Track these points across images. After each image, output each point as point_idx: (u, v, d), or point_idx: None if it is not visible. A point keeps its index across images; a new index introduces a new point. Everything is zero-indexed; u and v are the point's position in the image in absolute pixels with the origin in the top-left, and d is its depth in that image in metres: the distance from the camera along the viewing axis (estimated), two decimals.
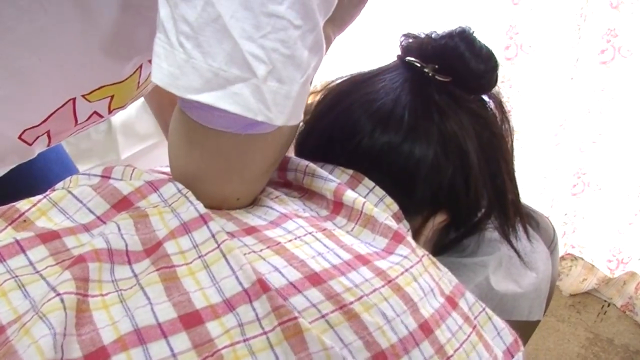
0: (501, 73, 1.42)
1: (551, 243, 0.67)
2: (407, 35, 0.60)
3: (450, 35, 0.55)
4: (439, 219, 0.55)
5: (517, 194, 0.60)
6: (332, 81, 0.62)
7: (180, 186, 0.44)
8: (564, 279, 1.65)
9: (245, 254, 0.39)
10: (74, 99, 0.50)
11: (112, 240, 0.39)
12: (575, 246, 1.60)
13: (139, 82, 0.54)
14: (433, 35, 0.57)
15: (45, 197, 0.43)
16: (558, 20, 1.30)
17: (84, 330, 0.33)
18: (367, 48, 1.55)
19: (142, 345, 0.33)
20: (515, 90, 1.42)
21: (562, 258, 1.63)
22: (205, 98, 0.37)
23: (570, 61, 1.34)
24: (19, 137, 0.51)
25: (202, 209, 0.41)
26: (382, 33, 1.50)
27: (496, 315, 0.45)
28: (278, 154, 0.49)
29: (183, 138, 0.44)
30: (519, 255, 0.60)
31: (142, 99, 0.70)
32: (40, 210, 0.42)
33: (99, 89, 0.50)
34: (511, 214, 0.59)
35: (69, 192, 0.43)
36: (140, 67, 0.52)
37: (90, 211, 0.42)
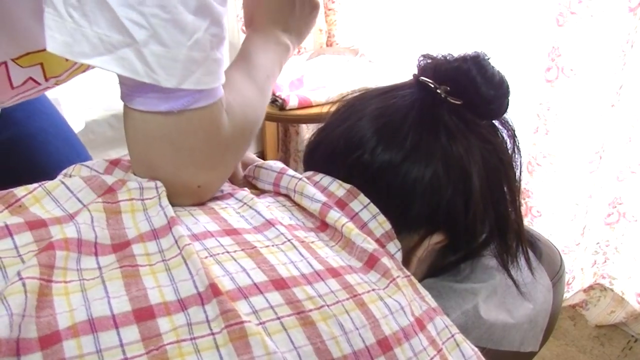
0: (540, 95, 1.41)
1: (556, 274, 0.66)
2: (424, 56, 0.61)
3: (464, 59, 0.56)
4: (436, 239, 0.55)
5: (520, 224, 0.59)
6: (347, 94, 0.63)
7: (160, 183, 0.47)
8: (591, 309, 1.61)
9: (218, 254, 0.41)
10: (5, 63, 0.53)
11: (84, 230, 0.41)
12: (606, 277, 1.55)
13: None
14: (448, 57, 0.58)
15: (40, 185, 0.46)
16: (603, 45, 1.26)
17: (43, 313, 0.35)
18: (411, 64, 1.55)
19: (93, 334, 0.35)
20: (553, 113, 1.39)
21: (591, 287, 1.59)
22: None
23: (613, 88, 1.30)
24: None
25: (170, 213, 0.44)
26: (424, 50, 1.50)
27: (467, 343, 0.45)
28: (229, 135, 0.49)
29: (130, 129, 0.47)
30: (516, 285, 0.59)
31: None
32: (35, 197, 0.45)
33: (25, 54, 0.53)
34: (512, 243, 0.58)
35: (62, 182, 0.46)
36: None
37: (79, 201, 0.46)
